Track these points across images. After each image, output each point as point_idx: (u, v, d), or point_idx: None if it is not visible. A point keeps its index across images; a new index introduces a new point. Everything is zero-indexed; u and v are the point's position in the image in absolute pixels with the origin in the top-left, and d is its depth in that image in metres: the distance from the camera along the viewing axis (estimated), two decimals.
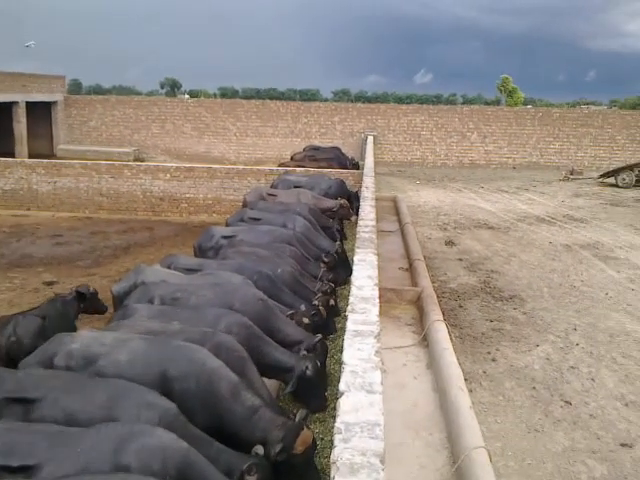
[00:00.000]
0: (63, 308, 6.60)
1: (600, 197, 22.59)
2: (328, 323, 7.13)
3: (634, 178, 24.86)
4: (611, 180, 25.64)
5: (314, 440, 4.21)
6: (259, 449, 4.00)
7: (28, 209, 18.31)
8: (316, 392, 5.63)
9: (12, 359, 5.64)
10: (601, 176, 26.30)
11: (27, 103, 29.26)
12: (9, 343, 5.81)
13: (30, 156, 26.83)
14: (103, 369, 4.62)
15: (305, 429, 4.16)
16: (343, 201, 12.98)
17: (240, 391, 4.47)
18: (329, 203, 12.80)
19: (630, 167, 25.48)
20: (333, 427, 3.18)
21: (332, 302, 7.26)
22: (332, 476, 2.70)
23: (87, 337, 5.03)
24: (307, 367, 5.38)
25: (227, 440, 4.19)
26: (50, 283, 11.49)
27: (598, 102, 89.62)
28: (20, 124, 29.03)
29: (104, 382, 4.32)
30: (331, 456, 2.87)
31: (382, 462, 2.80)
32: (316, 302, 6.97)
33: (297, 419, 4.28)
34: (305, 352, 5.76)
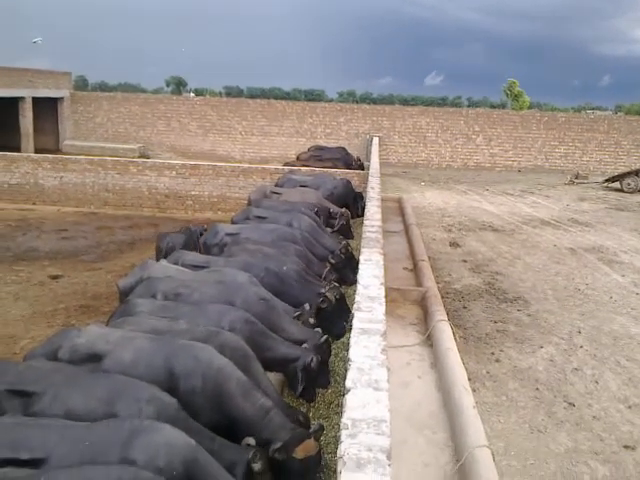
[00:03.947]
0: (195, 236, 9.75)
1: (605, 201, 22.57)
2: (338, 322, 7.01)
3: (639, 183, 24.86)
4: (616, 185, 25.60)
5: (319, 454, 4.15)
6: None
7: (34, 203, 18.38)
8: (312, 384, 5.63)
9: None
10: (606, 181, 26.29)
11: (33, 99, 29.31)
12: (167, 247, 9.39)
13: (36, 151, 26.87)
14: (107, 367, 4.62)
15: (312, 439, 4.14)
16: (345, 211, 12.53)
17: (250, 390, 4.46)
18: (333, 209, 12.49)
19: (635, 172, 25.45)
20: (337, 424, 3.19)
21: (339, 297, 7.15)
22: (339, 470, 2.71)
23: (93, 333, 5.03)
24: (312, 359, 5.40)
25: (233, 439, 4.19)
26: (55, 277, 11.54)
27: (604, 107, 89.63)
28: (26, 119, 29.07)
29: (104, 377, 4.32)
30: (337, 451, 2.88)
31: (388, 458, 2.81)
32: (323, 290, 6.94)
33: (311, 430, 4.29)
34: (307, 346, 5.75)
